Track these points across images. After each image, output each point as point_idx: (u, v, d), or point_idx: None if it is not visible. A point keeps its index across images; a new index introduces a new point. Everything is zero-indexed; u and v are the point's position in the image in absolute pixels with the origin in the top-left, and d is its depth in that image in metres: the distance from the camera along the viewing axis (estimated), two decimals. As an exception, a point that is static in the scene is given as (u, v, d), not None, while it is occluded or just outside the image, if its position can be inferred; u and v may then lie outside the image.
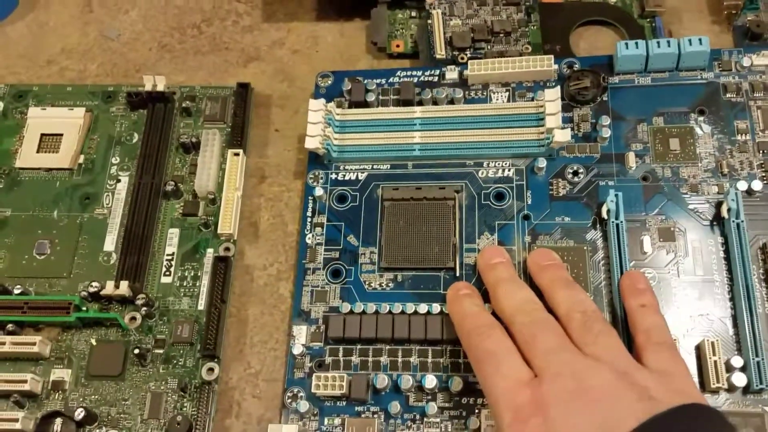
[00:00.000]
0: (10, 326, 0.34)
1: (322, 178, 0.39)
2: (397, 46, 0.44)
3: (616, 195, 0.34)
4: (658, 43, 0.38)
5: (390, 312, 0.34)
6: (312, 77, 0.44)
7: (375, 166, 0.39)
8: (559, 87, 0.37)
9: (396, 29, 0.45)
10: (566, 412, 0.26)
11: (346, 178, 0.39)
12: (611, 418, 0.26)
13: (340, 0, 0.45)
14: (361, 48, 0.45)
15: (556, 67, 0.39)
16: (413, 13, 0.45)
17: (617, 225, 0.34)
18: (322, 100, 0.39)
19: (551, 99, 0.36)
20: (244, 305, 0.38)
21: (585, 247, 0.35)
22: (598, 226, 0.35)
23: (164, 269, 0.37)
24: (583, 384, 0.27)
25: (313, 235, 0.37)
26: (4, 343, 0.34)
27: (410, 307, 0.34)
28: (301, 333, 0.35)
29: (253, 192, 0.41)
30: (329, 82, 0.42)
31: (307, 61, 0.45)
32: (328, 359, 0.34)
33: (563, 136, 0.36)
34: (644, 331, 0.30)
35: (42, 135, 0.40)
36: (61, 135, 0.40)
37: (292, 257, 0.39)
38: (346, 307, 0.35)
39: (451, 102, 0.40)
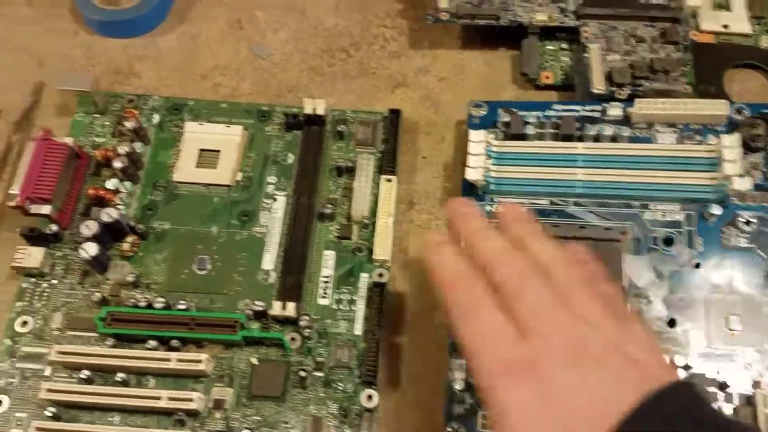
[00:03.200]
0: (174, 342, 0.35)
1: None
2: (547, 77, 0.44)
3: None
4: (840, 92, 0.36)
5: (557, 353, 0.34)
6: (457, 105, 0.44)
7: (533, 201, 0.38)
8: (738, 134, 0.36)
9: (545, 60, 0.44)
10: (563, 372, 0.25)
11: (502, 211, 0.38)
12: (613, 388, 0.24)
13: (486, 29, 0.45)
14: (507, 77, 0.45)
15: (728, 112, 0.38)
16: (563, 45, 0.45)
17: (800, 280, 0.33)
18: (484, 131, 0.38)
19: (730, 145, 0.35)
20: (397, 333, 0.37)
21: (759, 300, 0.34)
22: (775, 278, 0.34)
23: (321, 291, 0.37)
24: (578, 347, 0.25)
25: (469, 268, 0.37)
26: (169, 360, 0.34)
27: (578, 350, 0.33)
28: (461, 368, 0.35)
29: (402, 218, 0.41)
30: (483, 112, 0.41)
31: (453, 88, 0.45)
32: (489, 396, 0.34)
33: (743, 184, 0.35)
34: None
35: (200, 150, 0.41)
36: (218, 151, 0.41)
37: (443, 287, 0.38)
38: (510, 345, 0.34)
39: (614, 140, 0.39)
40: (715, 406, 0.26)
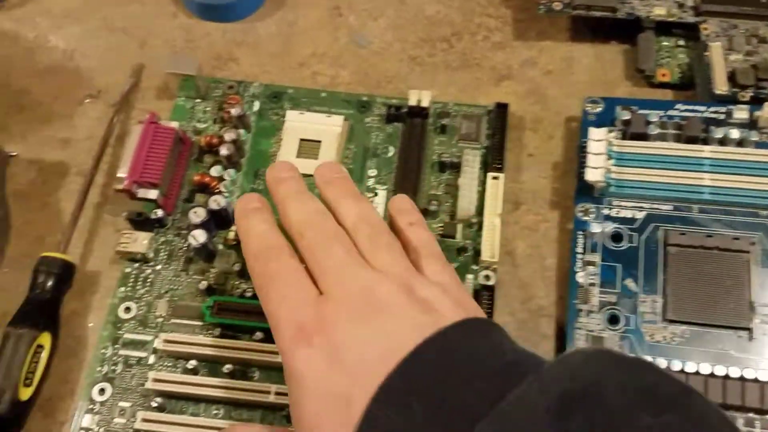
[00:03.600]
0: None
1: (592, 212, 0.37)
2: (663, 75, 0.41)
3: None
4: None
5: (683, 371, 0.32)
6: (565, 100, 0.42)
7: (655, 206, 0.36)
8: None
9: (660, 57, 0.42)
10: (350, 328, 0.25)
11: (620, 215, 0.36)
12: (397, 334, 0.24)
13: (598, 21, 0.43)
14: (619, 73, 0.43)
15: None
16: (680, 42, 0.42)
17: None
18: (605, 130, 0.36)
19: None
20: (504, 338, 0.36)
21: None
22: None
23: (427, 292, 0.36)
24: (368, 298, 0.25)
25: (585, 274, 0.35)
26: (276, 353, 0.33)
27: (705, 368, 0.32)
28: (575, 377, 0.33)
29: (508, 218, 0.39)
30: (599, 108, 0.39)
31: (560, 83, 0.43)
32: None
33: None
34: (415, 247, 0.29)
35: (301, 140, 0.40)
36: (319, 142, 0.40)
37: (552, 293, 0.37)
38: (632, 358, 0.32)
39: (740, 144, 0.37)
40: (510, 341, 0.25)
